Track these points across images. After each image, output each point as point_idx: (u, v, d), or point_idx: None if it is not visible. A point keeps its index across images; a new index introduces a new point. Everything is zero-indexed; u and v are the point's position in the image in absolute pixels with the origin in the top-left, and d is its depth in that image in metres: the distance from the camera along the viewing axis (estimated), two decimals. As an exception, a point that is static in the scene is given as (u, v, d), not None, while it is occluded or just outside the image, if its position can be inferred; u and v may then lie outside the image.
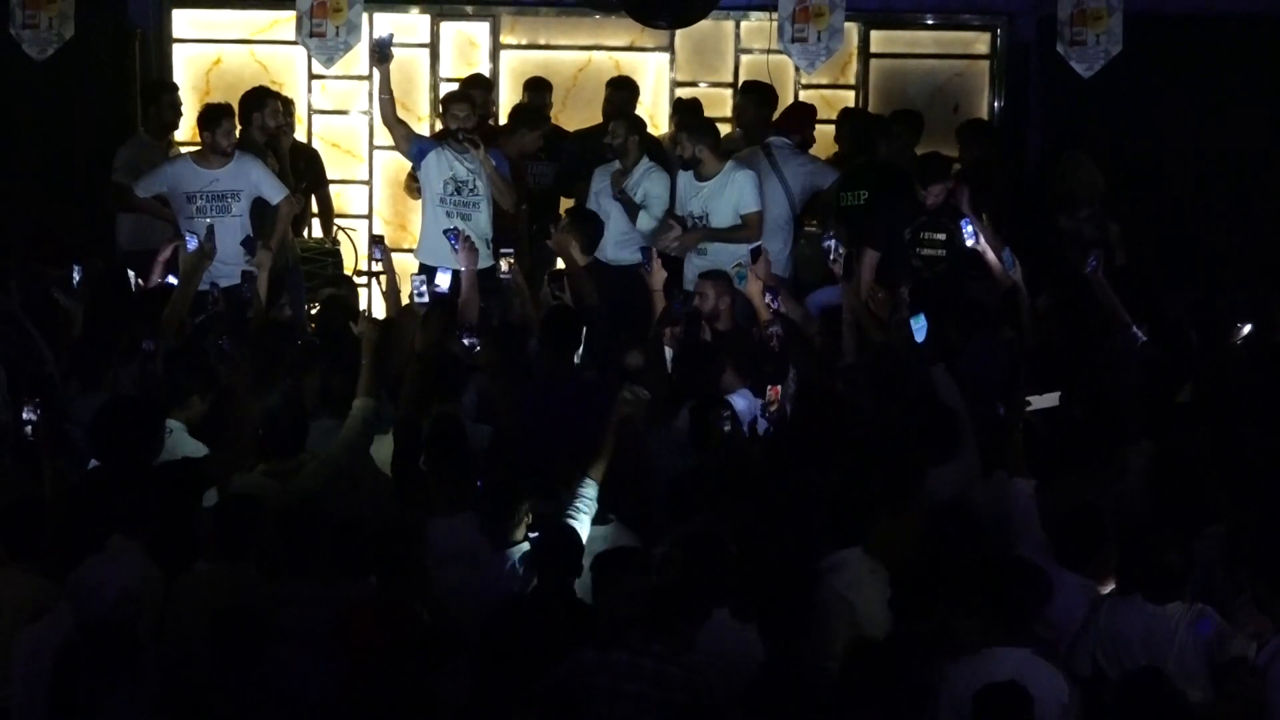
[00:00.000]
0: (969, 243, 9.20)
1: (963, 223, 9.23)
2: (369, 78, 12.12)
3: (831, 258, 8.92)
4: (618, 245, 10.13)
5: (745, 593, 6.20)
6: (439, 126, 11.39)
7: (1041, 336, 8.85)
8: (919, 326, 8.26)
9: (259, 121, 10.39)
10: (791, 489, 6.96)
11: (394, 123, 10.12)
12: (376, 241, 9.73)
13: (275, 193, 10.10)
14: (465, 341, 8.10)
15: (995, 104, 12.20)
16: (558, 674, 5.84)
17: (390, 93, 10.04)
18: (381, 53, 9.95)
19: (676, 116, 11.39)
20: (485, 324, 8.84)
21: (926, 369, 7.95)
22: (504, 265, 9.41)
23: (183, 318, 8.73)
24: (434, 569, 6.45)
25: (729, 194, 9.91)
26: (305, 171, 11.15)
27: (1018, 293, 9.10)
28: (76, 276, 8.97)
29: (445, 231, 9.47)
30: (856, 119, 11.36)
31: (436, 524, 6.75)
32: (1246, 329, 9.00)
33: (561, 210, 10.86)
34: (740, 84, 11.62)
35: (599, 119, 11.23)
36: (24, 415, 6.87)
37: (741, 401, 8.04)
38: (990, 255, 9.14)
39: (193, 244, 9.18)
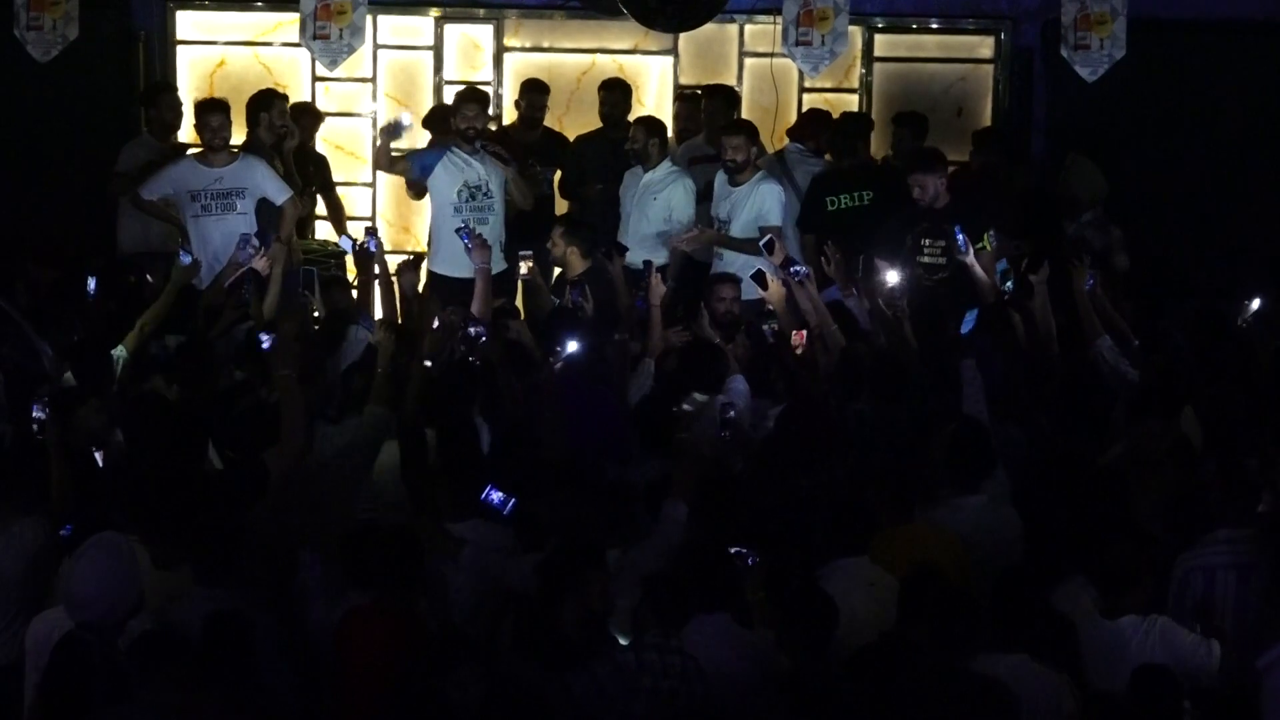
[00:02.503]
0: (960, 253, 9.12)
1: (956, 230, 9.16)
2: (373, 80, 12.17)
3: (798, 280, 8.85)
4: (641, 249, 10.14)
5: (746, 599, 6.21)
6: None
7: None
8: (968, 317, 8.22)
9: (266, 122, 10.40)
10: (792, 496, 6.95)
11: (389, 165, 10.27)
12: (370, 232, 9.68)
13: (279, 193, 10.11)
14: (471, 331, 8.06)
15: (999, 108, 12.19)
16: (597, 676, 5.85)
17: (387, 151, 10.28)
18: (392, 132, 10.16)
19: (680, 105, 11.56)
20: (501, 321, 8.85)
21: (959, 363, 7.96)
22: (524, 268, 9.39)
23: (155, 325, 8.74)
24: (448, 574, 6.46)
25: (753, 203, 9.96)
26: (314, 175, 11.16)
27: (1008, 305, 8.99)
28: (92, 286, 8.94)
29: (457, 230, 9.49)
30: (849, 121, 11.33)
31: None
32: (1256, 303, 8.94)
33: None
34: (703, 88, 11.65)
35: (599, 118, 11.28)
36: (33, 413, 6.87)
37: (739, 388, 8.13)
38: (979, 270, 9.06)
39: (186, 259, 9.16)
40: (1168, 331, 8.94)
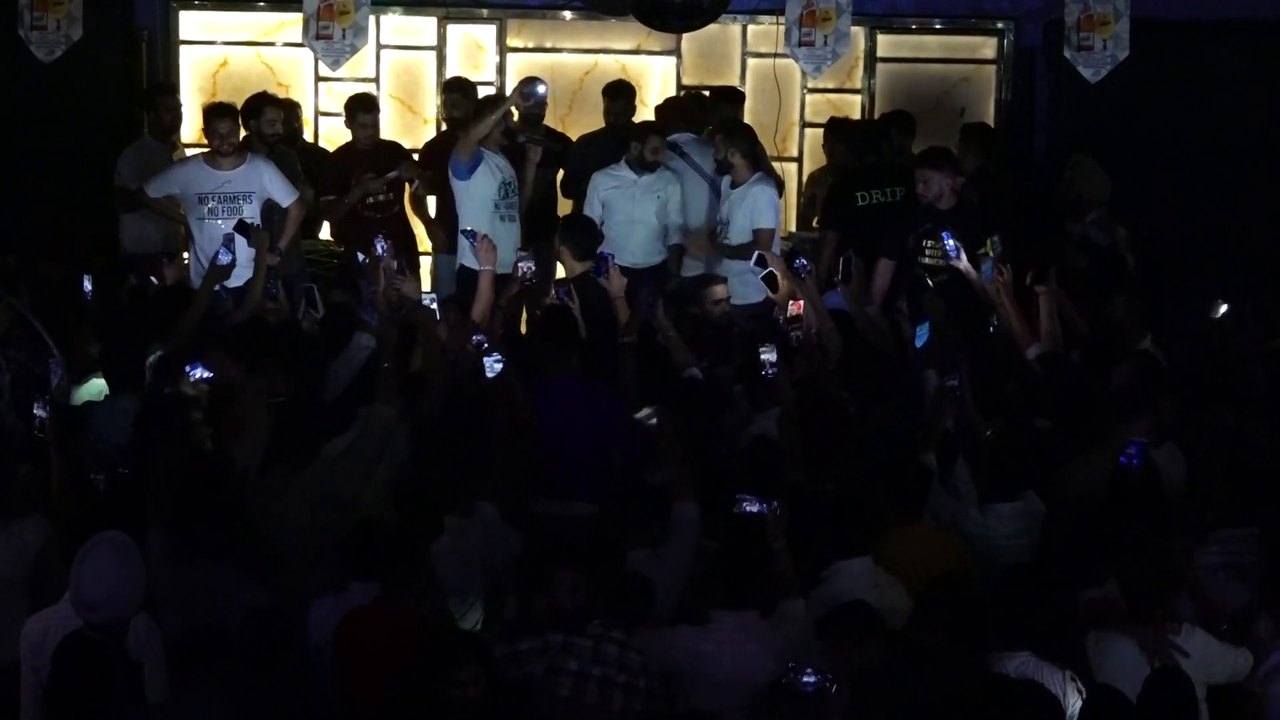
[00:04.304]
0: (951, 259, 9.09)
1: (944, 235, 9.15)
2: (376, 80, 12.17)
3: (802, 277, 8.84)
4: (643, 249, 10.15)
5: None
6: (444, 126, 11.47)
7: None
8: (920, 331, 8.25)
9: (255, 129, 10.37)
10: (793, 496, 6.96)
11: (483, 134, 9.98)
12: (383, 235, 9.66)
13: (286, 196, 10.11)
14: (475, 338, 8.07)
15: (1001, 109, 12.20)
16: (519, 650, 5.86)
17: (506, 115, 10.19)
18: (525, 96, 10.20)
19: (666, 112, 11.46)
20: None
21: (919, 374, 7.96)
22: (522, 268, 9.27)
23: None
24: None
25: (746, 206, 9.95)
26: (317, 172, 11.14)
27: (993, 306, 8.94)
28: (88, 286, 8.94)
29: (462, 231, 9.51)
30: (857, 124, 11.32)
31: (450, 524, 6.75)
32: (1223, 308, 8.97)
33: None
34: (712, 91, 11.63)
35: (604, 123, 11.26)
36: (35, 412, 6.88)
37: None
38: (973, 274, 9.02)
39: (226, 259, 9.06)
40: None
